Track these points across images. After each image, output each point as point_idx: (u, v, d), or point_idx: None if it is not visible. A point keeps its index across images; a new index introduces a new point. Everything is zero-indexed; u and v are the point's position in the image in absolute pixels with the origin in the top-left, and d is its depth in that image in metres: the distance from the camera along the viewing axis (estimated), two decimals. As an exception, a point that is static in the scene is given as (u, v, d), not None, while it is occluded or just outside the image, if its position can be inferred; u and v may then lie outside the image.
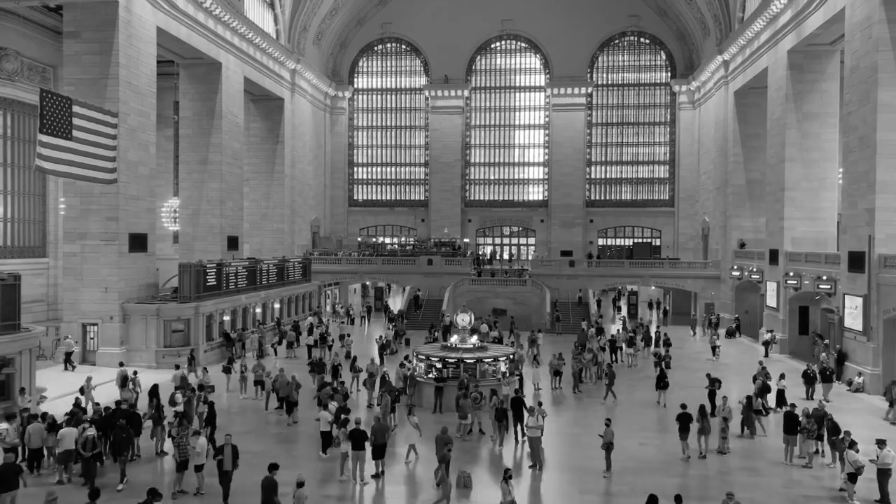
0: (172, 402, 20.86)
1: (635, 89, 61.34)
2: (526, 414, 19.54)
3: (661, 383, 25.48)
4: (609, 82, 61.57)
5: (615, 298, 59.49)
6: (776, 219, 38.91)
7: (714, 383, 23.88)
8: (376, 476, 17.14)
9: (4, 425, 17.31)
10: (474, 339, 26.21)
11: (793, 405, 20.31)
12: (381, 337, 35.11)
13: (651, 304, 56.83)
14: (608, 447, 17.67)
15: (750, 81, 44.00)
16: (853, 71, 30.23)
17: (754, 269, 42.02)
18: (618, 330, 40.31)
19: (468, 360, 24.20)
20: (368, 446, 17.11)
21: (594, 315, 45.80)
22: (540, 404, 19.67)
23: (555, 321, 43.52)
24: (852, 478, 15.88)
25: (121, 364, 26.35)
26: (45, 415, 18.62)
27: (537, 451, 18.05)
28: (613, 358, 33.45)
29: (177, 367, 26.65)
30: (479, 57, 62.45)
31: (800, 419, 19.03)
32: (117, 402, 20.01)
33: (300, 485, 13.71)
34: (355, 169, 64.89)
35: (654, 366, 30.15)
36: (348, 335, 34.44)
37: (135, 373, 24.55)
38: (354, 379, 26.31)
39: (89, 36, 31.49)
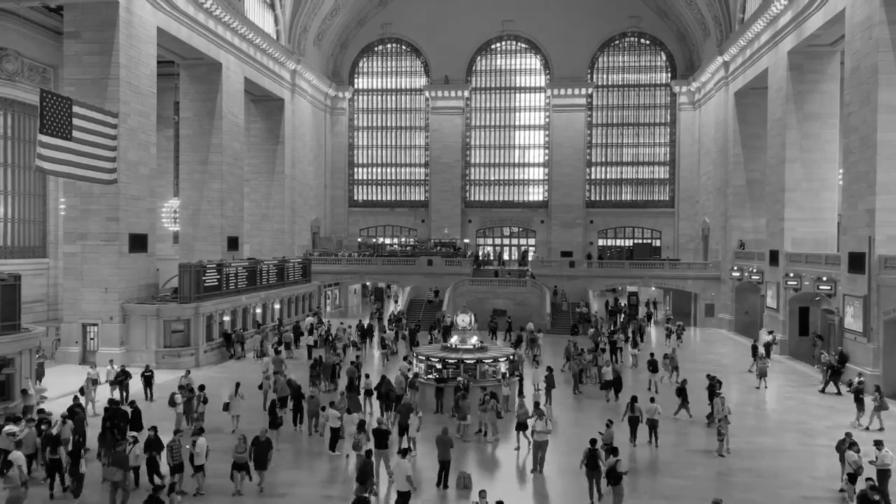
0: (172, 403, 20.84)
1: (635, 90, 61.31)
2: (534, 418, 19.30)
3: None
4: (609, 83, 61.54)
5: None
6: (776, 219, 38.90)
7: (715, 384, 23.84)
8: (405, 451, 15.88)
9: (12, 427, 17.10)
10: (475, 339, 26.18)
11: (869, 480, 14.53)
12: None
13: (647, 303, 56.95)
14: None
15: (750, 82, 43.99)
16: (854, 72, 30.24)
17: (754, 270, 42.00)
18: (617, 330, 40.25)
19: (468, 361, 24.22)
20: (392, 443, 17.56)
21: (593, 316, 45.73)
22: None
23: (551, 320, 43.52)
24: (852, 478, 15.89)
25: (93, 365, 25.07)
26: (41, 410, 18.41)
27: (544, 455, 17.94)
28: (613, 358, 33.43)
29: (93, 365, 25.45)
30: (479, 57, 62.43)
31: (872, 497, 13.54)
32: (110, 401, 19.69)
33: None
34: (355, 169, 64.87)
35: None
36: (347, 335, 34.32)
37: (94, 381, 23.24)
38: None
39: (90, 36, 31.52)
